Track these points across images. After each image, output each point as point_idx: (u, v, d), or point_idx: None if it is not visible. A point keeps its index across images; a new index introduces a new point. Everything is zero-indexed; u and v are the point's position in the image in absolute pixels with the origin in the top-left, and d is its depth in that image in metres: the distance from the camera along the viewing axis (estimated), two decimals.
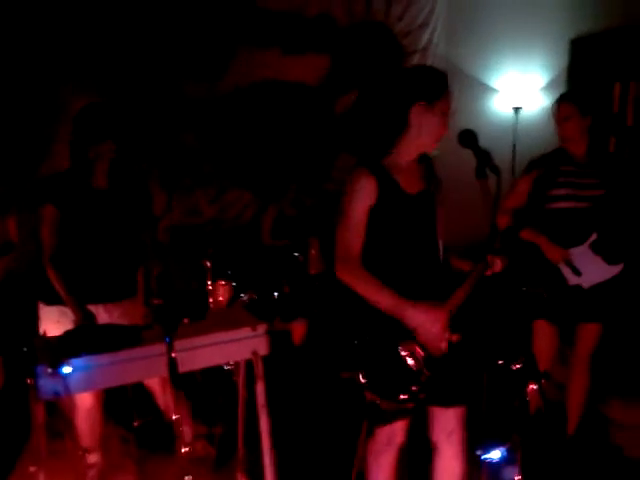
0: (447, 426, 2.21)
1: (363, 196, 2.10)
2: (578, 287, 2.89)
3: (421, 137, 2.12)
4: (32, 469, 2.11)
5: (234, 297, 3.97)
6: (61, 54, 4.37)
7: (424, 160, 2.23)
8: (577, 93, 3.25)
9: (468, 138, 2.09)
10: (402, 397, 2.05)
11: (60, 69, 4.37)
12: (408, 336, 2.06)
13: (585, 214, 2.88)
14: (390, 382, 2.08)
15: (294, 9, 4.91)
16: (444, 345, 2.07)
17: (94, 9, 4.41)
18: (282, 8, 4.88)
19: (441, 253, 2.20)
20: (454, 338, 2.08)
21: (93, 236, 2.68)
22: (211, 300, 3.81)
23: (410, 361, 2.04)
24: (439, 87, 2.08)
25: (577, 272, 2.88)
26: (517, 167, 5.14)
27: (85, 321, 2.52)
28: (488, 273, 2.14)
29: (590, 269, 2.87)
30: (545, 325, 2.98)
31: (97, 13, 4.42)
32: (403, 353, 2.05)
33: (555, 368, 3.08)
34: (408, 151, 2.15)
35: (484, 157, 2.02)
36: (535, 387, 1.92)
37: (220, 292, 3.96)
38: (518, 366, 2.06)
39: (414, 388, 2.04)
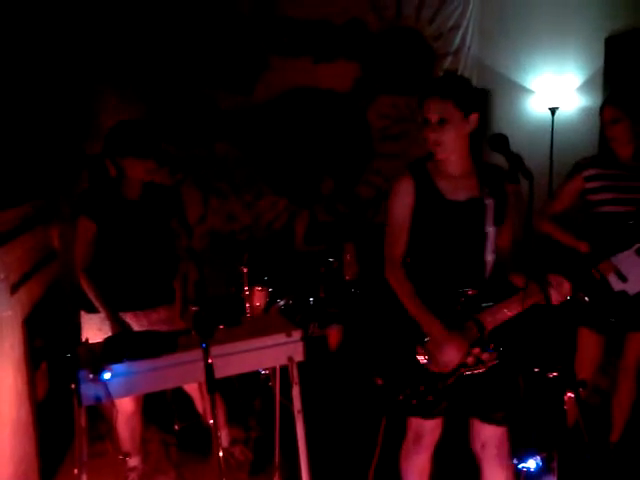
0: (487, 439, 2.18)
1: (401, 198, 2.13)
2: (623, 293, 2.81)
3: None
4: (75, 472, 2.17)
5: (270, 302, 4.01)
6: (98, 68, 4.51)
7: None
8: (626, 95, 3.15)
9: (498, 142, 2.06)
10: (407, 392, 2.07)
11: (97, 82, 4.51)
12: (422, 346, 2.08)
13: (632, 218, 2.80)
14: (400, 377, 2.11)
15: (324, 17, 4.96)
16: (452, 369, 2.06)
17: (130, 21, 4.54)
18: (312, 17, 4.94)
19: (489, 265, 2.14)
20: (485, 357, 2.06)
21: (128, 246, 2.74)
22: (248, 305, 3.85)
23: (424, 361, 2.05)
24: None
25: (623, 278, 2.81)
26: (555, 168, 5.07)
27: (119, 330, 2.58)
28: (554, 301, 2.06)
29: (636, 275, 2.79)
30: (589, 334, 2.90)
31: (133, 26, 4.56)
32: (419, 356, 2.06)
33: (597, 375, 3.01)
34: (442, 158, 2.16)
35: (516, 161, 1.99)
36: (572, 395, 1.88)
37: (256, 298, 4.00)
38: (555, 374, 2.02)
39: (422, 388, 2.05)
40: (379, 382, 2.18)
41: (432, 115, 2.06)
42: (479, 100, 2.18)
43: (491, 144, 2.08)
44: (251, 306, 3.89)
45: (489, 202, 2.12)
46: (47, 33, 3.99)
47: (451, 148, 2.11)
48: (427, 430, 2.18)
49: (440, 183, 2.14)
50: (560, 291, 2.02)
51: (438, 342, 2.04)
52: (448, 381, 2.07)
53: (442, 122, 2.05)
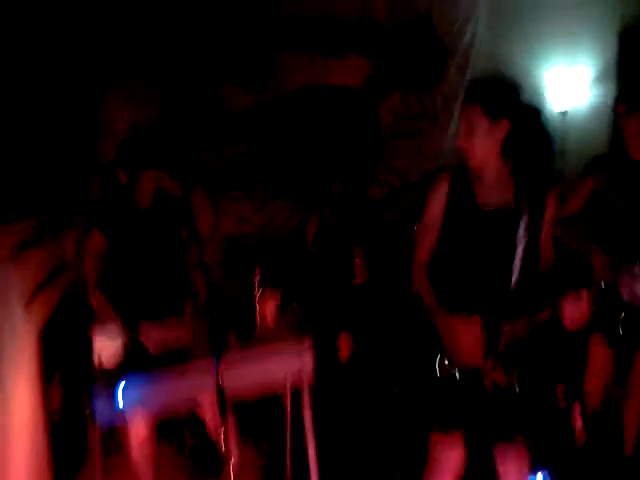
0: (507, 459, 2.17)
1: (435, 199, 2.14)
2: (634, 304, 2.78)
3: None
4: None
5: (281, 307, 4.01)
6: (108, 72, 4.52)
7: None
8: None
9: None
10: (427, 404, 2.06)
11: (107, 87, 4.52)
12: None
13: None
14: (419, 389, 2.14)
15: (334, 13, 4.91)
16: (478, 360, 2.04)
17: (140, 21, 4.54)
18: (322, 13, 4.89)
19: (515, 277, 2.09)
20: (500, 379, 2.04)
21: (140, 256, 2.77)
22: (258, 310, 3.86)
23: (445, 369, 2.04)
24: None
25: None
26: (567, 164, 5.00)
27: (132, 338, 2.60)
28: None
29: None
30: (600, 346, 2.87)
31: (143, 26, 4.56)
32: (439, 364, 2.05)
33: (609, 386, 2.98)
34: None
35: None
36: (579, 409, 1.87)
37: (268, 303, 4.01)
38: (562, 389, 2.01)
39: (441, 400, 2.03)
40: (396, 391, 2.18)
41: (462, 122, 2.06)
42: (510, 104, 2.08)
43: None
44: (262, 311, 3.90)
45: (523, 213, 2.08)
46: (56, 38, 4.00)
47: (481, 156, 2.07)
48: (447, 446, 2.16)
49: (476, 189, 2.11)
50: (578, 311, 2.00)
51: (454, 323, 2.02)
52: (468, 392, 2.06)
53: (471, 129, 2.04)
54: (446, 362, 2.06)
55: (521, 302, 2.10)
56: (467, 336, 2.03)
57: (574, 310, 2.01)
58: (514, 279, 2.10)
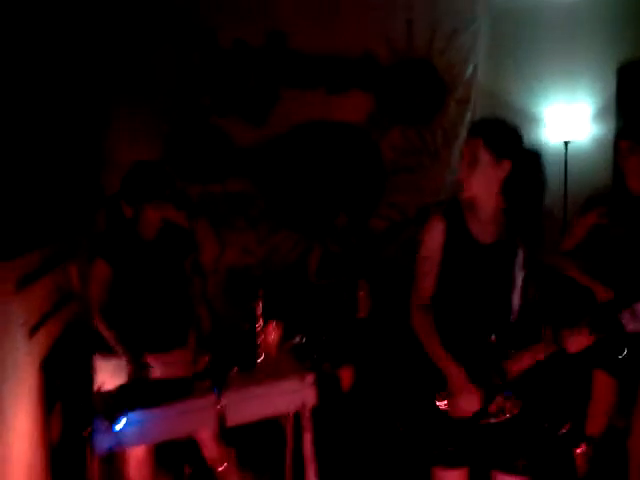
0: None
1: (432, 238, 2.15)
2: (638, 335, 2.78)
3: None
4: None
5: (284, 339, 4.01)
6: (114, 105, 4.61)
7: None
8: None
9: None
10: (430, 442, 2.05)
11: (113, 119, 4.60)
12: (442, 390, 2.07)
13: None
14: (422, 426, 2.10)
15: (337, 51, 5.02)
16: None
17: (144, 55, 4.65)
18: (325, 50, 5.00)
19: (515, 309, 2.13)
20: (508, 406, 2.05)
21: (144, 287, 2.79)
22: (261, 341, 3.85)
23: (443, 407, 2.04)
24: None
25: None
26: (569, 199, 5.04)
27: (138, 371, 2.60)
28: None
29: None
30: (604, 378, 2.87)
31: (147, 60, 4.67)
32: (438, 402, 2.05)
33: (613, 416, 2.96)
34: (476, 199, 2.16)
35: None
36: (582, 451, 1.86)
37: (270, 334, 4.00)
38: (565, 430, 2.00)
39: (444, 438, 2.03)
40: (401, 429, 2.18)
41: (466, 154, 2.10)
42: (513, 146, 2.15)
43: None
44: (264, 342, 3.89)
45: (518, 246, 2.13)
46: (63, 70, 4.09)
47: (477, 189, 2.12)
48: None
49: (471, 225, 2.14)
50: (579, 341, 2.02)
51: (458, 388, 2.04)
52: (470, 429, 2.06)
53: (473, 162, 2.08)
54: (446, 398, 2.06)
55: (522, 335, 2.12)
56: (473, 402, 2.04)
57: (576, 342, 2.02)
58: (514, 311, 2.12)
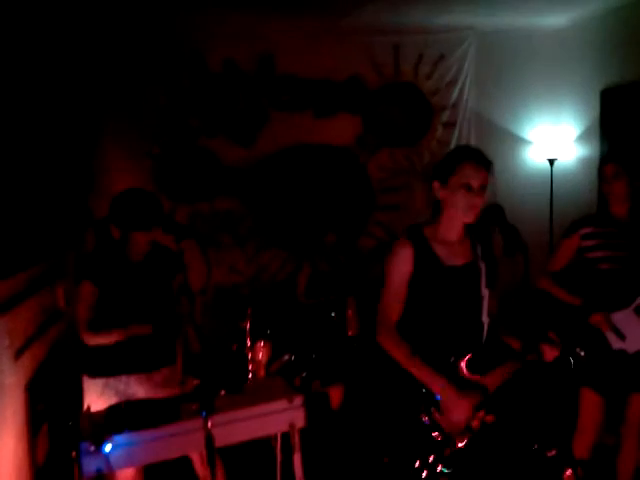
0: None
1: (400, 263, 2.20)
2: (622, 352, 2.81)
3: (450, 210, 2.21)
4: None
5: (273, 357, 4.00)
6: (103, 125, 4.63)
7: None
8: (625, 152, 3.19)
9: (495, 213, 2.12)
10: (417, 464, 2.06)
11: (99, 143, 4.62)
12: (434, 405, 2.08)
13: (629, 276, 2.82)
14: (407, 447, 2.12)
15: (324, 74, 5.10)
16: (463, 428, 2.07)
17: (133, 77, 4.69)
18: (313, 74, 5.07)
19: (485, 328, 2.19)
20: (488, 419, 2.07)
21: (131, 308, 2.78)
22: (249, 360, 3.84)
23: (433, 432, 2.05)
24: (450, 164, 2.20)
25: (621, 336, 2.81)
26: (555, 219, 5.11)
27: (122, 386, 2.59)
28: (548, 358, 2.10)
29: (635, 334, 2.79)
30: (591, 396, 2.87)
31: (136, 82, 4.71)
32: (425, 420, 2.07)
33: (602, 434, 2.97)
34: (448, 224, 2.24)
35: (511, 234, 2.04)
36: (570, 474, 1.88)
37: (259, 353, 3.99)
38: (553, 453, 2.02)
39: (431, 457, 2.04)
40: (385, 460, 2.19)
41: (475, 181, 2.14)
42: None
43: (488, 215, 2.14)
44: (254, 360, 3.88)
45: (482, 266, 2.21)
46: (53, 92, 4.10)
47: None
48: None
49: (437, 249, 2.22)
50: (545, 357, 2.07)
51: (450, 400, 2.06)
52: (456, 447, 2.07)
53: (483, 188, 2.16)
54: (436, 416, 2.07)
55: (493, 350, 2.19)
56: (465, 412, 2.07)
57: (552, 353, 2.10)
58: (485, 330, 2.19)
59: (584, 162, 5.07)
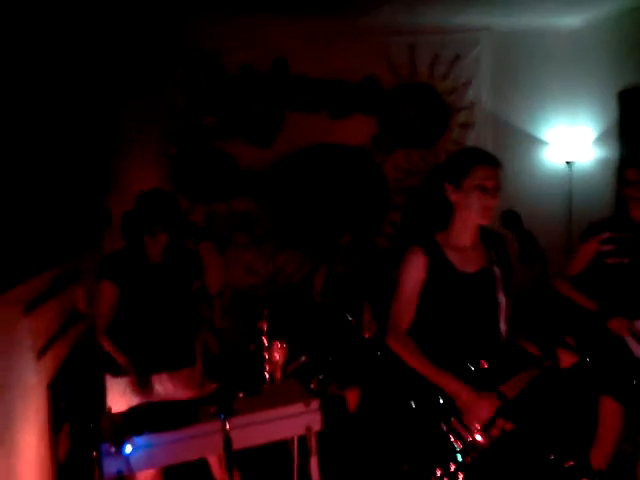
0: None
1: (413, 271, 2.19)
2: None
3: (464, 213, 2.18)
4: None
5: (290, 359, 4.02)
6: (121, 126, 4.68)
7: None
8: None
9: (510, 220, 2.10)
10: (438, 473, 2.06)
11: (117, 143, 4.67)
12: (454, 413, 2.07)
13: None
14: (428, 455, 2.12)
15: (340, 75, 5.10)
16: (485, 432, 2.06)
17: (151, 82, 4.74)
18: (328, 75, 5.08)
19: (503, 334, 2.18)
20: (508, 427, 2.06)
21: (151, 309, 2.83)
22: (266, 361, 3.87)
23: (452, 438, 2.05)
24: (462, 166, 2.16)
25: None
26: (573, 221, 5.07)
27: (142, 388, 2.64)
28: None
29: None
30: (611, 404, 2.85)
31: (155, 83, 4.75)
32: (445, 429, 2.07)
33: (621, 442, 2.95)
34: (461, 228, 2.21)
35: (528, 241, 2.01)
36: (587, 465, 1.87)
37: (276, 354, 4.02)
38: (570, 463, 2.01)
39: (452, 466, 2.04)
40: (405, 468, 2.19)
41: (490, 182, 2.12)
42: None
43: (503, 221, 2.12)
44: (270, 361, 3.91)
45: (497, 271, 2.18)
46: (71, 93, 4.17)
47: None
48: None
49: (450, 255, 2.19)
50: (562, 364, 2.06)
51: (470, 398, 2.06)
52: (476, 454, 2.07)
53: (497, 189, 2.14)
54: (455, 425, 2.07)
55: (512, 357, 2.18)
56: (487, 408, 2.07)
57: (569, 359, 2.08)
58: (503, 336, 2.17)
59: (602, 164, 5.02)
